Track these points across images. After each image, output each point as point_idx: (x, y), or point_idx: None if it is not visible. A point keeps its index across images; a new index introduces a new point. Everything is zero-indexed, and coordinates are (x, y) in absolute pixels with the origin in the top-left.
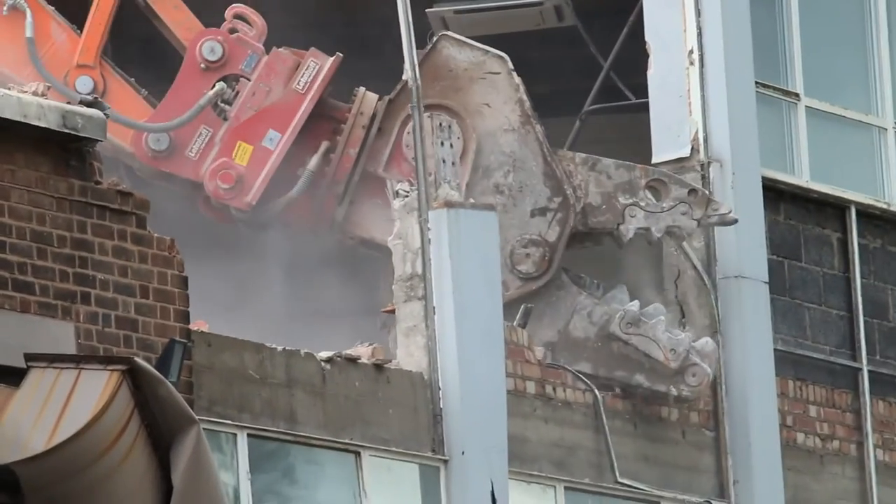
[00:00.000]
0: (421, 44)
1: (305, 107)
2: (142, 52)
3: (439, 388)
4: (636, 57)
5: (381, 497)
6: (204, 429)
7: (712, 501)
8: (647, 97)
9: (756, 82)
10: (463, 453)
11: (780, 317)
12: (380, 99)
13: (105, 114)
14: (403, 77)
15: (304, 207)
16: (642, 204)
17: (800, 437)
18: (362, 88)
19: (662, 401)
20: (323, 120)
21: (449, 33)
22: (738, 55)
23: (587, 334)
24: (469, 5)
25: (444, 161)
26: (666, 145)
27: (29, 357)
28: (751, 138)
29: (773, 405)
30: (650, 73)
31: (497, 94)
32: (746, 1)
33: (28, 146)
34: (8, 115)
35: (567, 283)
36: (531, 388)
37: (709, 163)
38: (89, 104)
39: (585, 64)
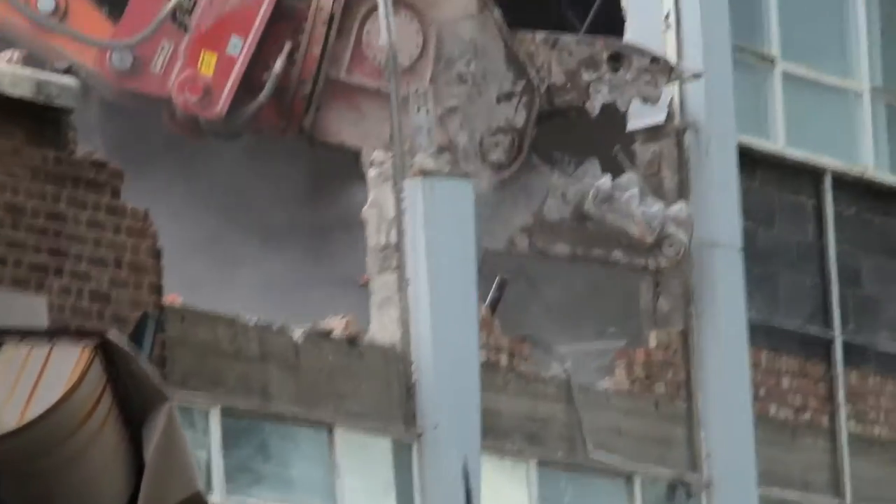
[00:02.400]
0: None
1: (265, 9)
2: None
3: (412, 362)
4: (612, 21)
5: (355, 471)
6: (177, 405)
7: (684, 477)
8: None
9: (732, 46)
10: (436, 427)
11: (754, 286)
12: None
13: (74, 76)
14: (381, 43)
15: (273, 111)
16: (606, 78)
17: (772, 408)
18: None
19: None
20: (283, 21)
21: None
22: (714, 19)
23: (562, 215)
24: None
25: (420, 128)
26: (642, 111)
27: (0, 332)
28: (727, 103)
29: (746, 376)
30: (626, 36)
31: None
32: None
33: (1, 116)
34: None
35: (538, 164)
36: (504, 360)
37: (685, 129)
38: (64, 72)
39: (561, 28)
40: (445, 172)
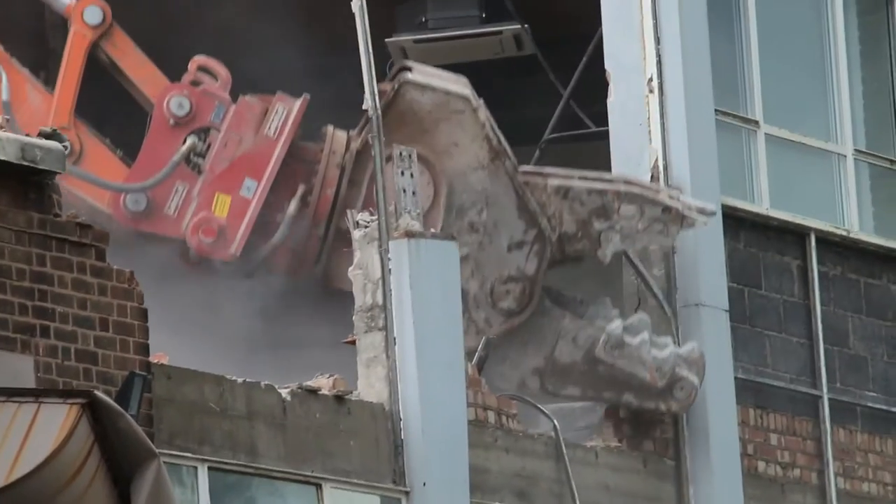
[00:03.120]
0: (381, 75)
1: (278, 152)
2: (113, 110)
3: (400, 420)
4: (596, 85)
5: None
6: (164, 462)
7: None
8: (606, 125)
9: (715, 110)
10: (424, 484)
11: (741, 345)
12: (349, 136)
13: (65, 149)
14: (364, 107)
15: (287, 252)
16: (617, 227)
17: (761, 465)
18: (331, 127)
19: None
20: (297, 163)
21: (410, 78)
22: (697, 83)
23: (573, 359)
24: (429, 35)
25: (404, 191)
26: (626, 173)
27: None
28: (710, 166)
29: (734, 434)
30: (610, 100)
31: (464, 133)
32: (706, 28)
33: None
34: None
35: (550, 308)
36: (492, 417)
37: None
38: (48, 136)
39: (545, 92)
40: (430, 234)
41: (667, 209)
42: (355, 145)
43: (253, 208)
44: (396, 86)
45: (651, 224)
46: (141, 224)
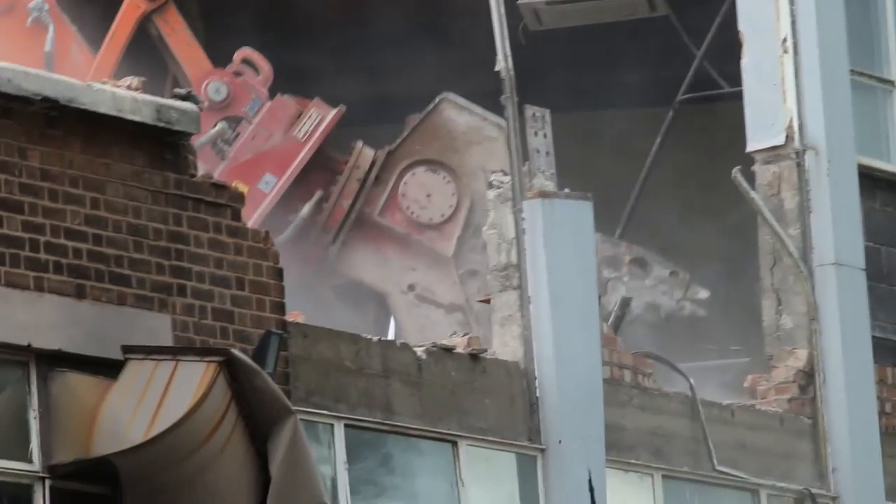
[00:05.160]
0: (514, 38)
1: (304, 155)
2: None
3: (535, 378)
4: (729, 45)
5: (479, 486)
6: (301, 419)
7: (812, 490)
8: (740, 86)
9: (850, 70)
10: (560, 442)
11: (878, 303)
12: (379, 150)
13: (199, 107)
14: (497, 68)
15: (292, 253)
16: (625, 279)
17: None
18: (360, 142)
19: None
20: (319, 169)
21: (450, 96)
22: (831, 43)
23: None
24: None
25: (538, 151)
26: (761, 134)
27: (126, 349)
28: (846, 126)
29: (871, 392)
30: (744, 61)
31: (493, 160)
32: None
33: (123, 140)
34: (103, 110)
35: None
36: (627, 376)
37: (804, 151)
38: (183, 97)
39: (678, 53)
40: (564, 193)
41: (674, 273)
42: (383, 152)
43: (267, 203)
44: (437, 100)
45: (657, 283)
46: None
